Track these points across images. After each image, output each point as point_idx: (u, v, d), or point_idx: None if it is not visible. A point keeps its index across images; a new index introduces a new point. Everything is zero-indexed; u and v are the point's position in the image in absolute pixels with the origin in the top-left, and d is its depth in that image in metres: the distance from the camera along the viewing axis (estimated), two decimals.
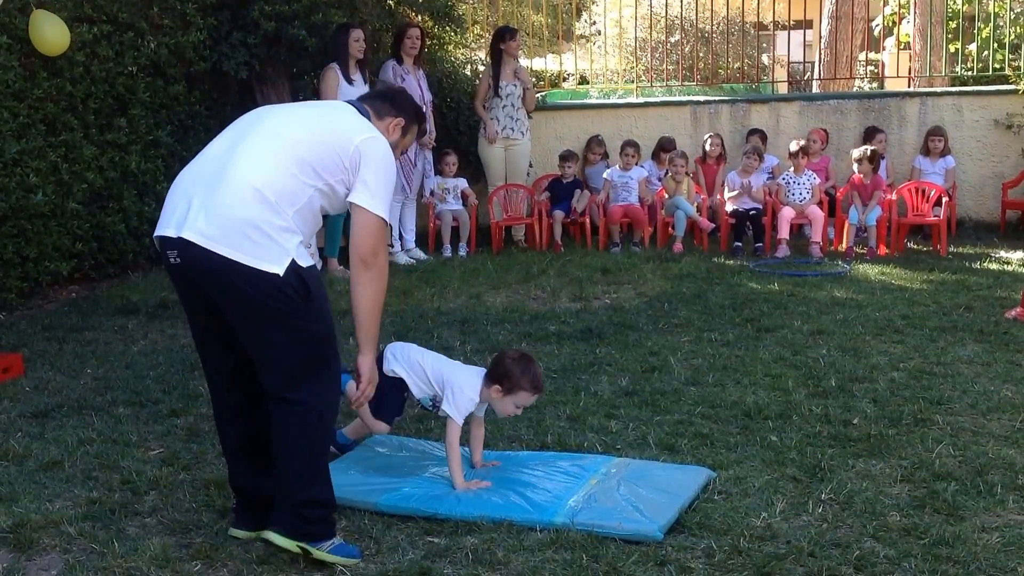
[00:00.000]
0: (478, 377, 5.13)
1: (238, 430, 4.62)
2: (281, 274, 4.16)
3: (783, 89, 17.63)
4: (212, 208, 4.20)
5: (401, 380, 5.19)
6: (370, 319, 4.47)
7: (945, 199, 11.79)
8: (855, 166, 11.71)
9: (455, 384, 5.10)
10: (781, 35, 20.69)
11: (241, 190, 4.20)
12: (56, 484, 5.19)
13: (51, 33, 8.77)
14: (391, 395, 5.25)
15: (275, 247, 4.18)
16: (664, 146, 12.99)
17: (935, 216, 11.62)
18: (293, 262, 4.20)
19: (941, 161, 12.53)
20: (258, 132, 4.45)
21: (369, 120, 4.61)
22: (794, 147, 11.92)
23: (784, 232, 11.39)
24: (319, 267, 4.65)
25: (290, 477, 4.35)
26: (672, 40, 21.41)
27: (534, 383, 5.07)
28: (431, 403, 5.23)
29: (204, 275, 4.22)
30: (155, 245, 4.45)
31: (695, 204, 11.97)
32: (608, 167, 12.76)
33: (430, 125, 11.88)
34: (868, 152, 11.69)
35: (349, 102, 4.74)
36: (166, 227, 4.29)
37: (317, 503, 4.36)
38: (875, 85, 19.49)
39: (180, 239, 4.19)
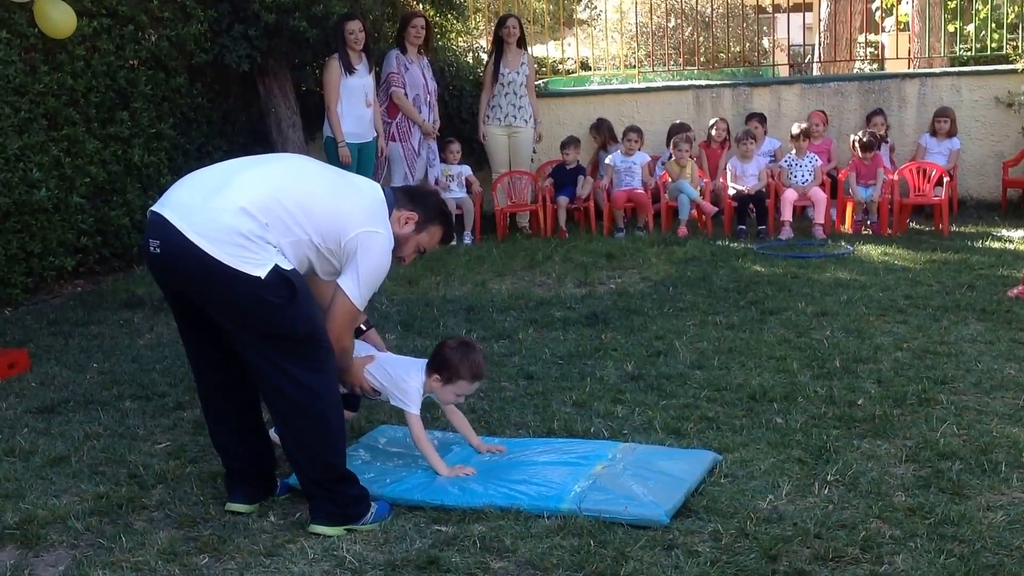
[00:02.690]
0: (421, 370, 5.12)
1: (226, 411, 4.78)
2: (263, 277, 4.25)
3: (784, 72, 17.61)
4: (203, 210, 4.30)
5: None
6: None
7: (946, 179, 11.78)
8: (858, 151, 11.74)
9: (399, 381, 5.09)
10: (781, 18, 20.61)
11: (233, 204, 4.31)
12: (63, 479, 5.21)
13: (57, 15, 8.79)
14: None
15: (258, 253, 4.28)
16: (677, 131, 12.95)
17: (936, 196, 11.61)
18: (276, 267, 4.29)
19: (947, 142, 12.51)
20: (278, 165, 4.67)
21: (390, 209, 4.71)
22: (796, 130, 11.91)
23: (787, 215, 11.38)
24: None
25: (309, 467, 4.54)
26: (672, 24, 21.38)
27: (473, 372, 5.08)
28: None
29: (183, 268, 4.31)
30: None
31: (698, 188, 11.97)
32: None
33: (434, 114, 11.91)
34: (864, 137, 11.72)
35: (383, 188, 4.82)
36: (161, 206, 4.40)
37: (347, 487, 4.54)
38: (875, 67, 19.45)
39: (173, 228, 4.26)
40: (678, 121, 13.23)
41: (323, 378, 4.50)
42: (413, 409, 5.04)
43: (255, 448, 4.85)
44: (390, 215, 4.68)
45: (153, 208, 4.43)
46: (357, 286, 4.52)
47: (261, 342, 4.38)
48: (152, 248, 4.36)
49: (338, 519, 4.49)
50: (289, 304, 4.31)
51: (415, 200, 4.85)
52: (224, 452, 4.84)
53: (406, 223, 4.77)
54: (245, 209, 4.28)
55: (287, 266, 4.33)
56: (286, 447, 4.59)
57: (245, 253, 4.23)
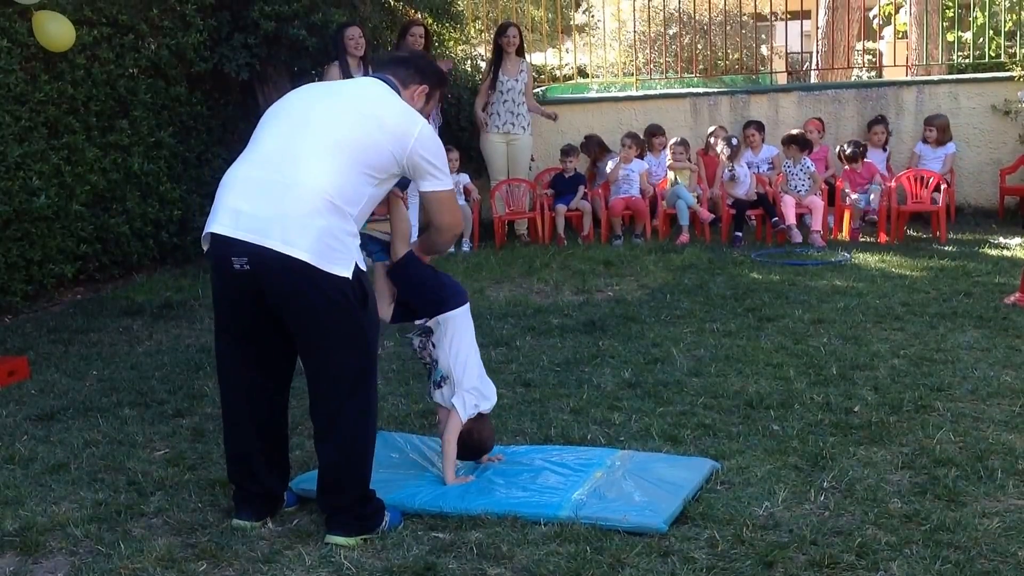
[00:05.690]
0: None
1: (262, 441, 4.71)
2: (349, 277, 4.29)
3: (782, 80, 17.62)
4: (287, 217, 4.25)
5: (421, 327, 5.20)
6: (427, 248, 5.06)
7: (944, 186, 11.80)
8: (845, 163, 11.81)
9: (471, 389, 5.08)
10: (779, 26, 20.63)
11: (314, 199, 4.26)
12: (62, 486, 5.22)
13: (55, 30, 8.82)
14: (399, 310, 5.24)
15: (344, 251, 4.30)
16: (653, 132, 13.01)
17: (934, 203, 11.63)
18: (356, 266, 4.33)
19: (941, 148, 12.53)
20: (313, 131, 4.44)
21: (399, 92, 4.71)
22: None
23: (791, 219, 11.40)
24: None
25: (347, 480, 4.52)
26: (671, 32, 21.40)
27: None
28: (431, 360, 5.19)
29: (277, 281, 4.28)
30: (205, 244, 4.47)
31: (695, 195, 11.98)
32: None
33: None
34: (848, 148, 11.78)
35: (378, 76, 4.79)
36: (234, 229, 4.31)
37: (368, 499, 4.56)
38: (873, 74, 19.49)
39: (260, 247, 4.22)
40: (653, 123, 13.27)
41: (373, 394, 4.58)
42: (463, 417, 5.05)
43: (279, 475, 4.81)
44: (401, 95, 4.71)
45: (216, 230, 4.33)
46: (439, 180, 4.63)
47: (331, 350, 4.38)
48: (239, 266, 4.28)
49: (356, 530, 4.48)
50: (363, 307, 4.37)
51: (421, 72, 4.88)
52: (247, 478, 4.71)
53: (420, 96, 4.83)
54: (328, 203, 4.26)
55: (362, 266, 4.40)
56: (329, 461, 4.51)
57: (335, 254, 4.25)
